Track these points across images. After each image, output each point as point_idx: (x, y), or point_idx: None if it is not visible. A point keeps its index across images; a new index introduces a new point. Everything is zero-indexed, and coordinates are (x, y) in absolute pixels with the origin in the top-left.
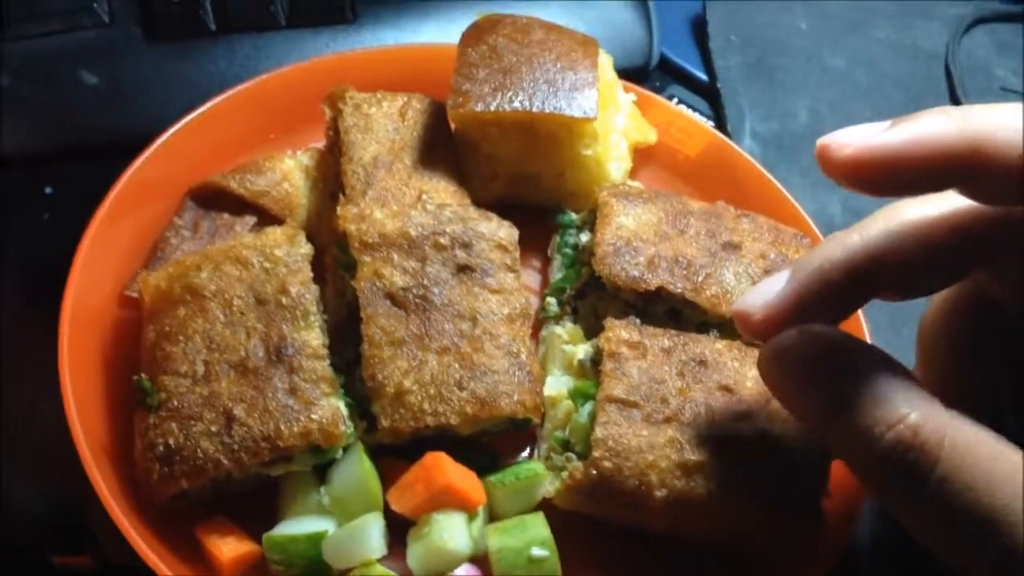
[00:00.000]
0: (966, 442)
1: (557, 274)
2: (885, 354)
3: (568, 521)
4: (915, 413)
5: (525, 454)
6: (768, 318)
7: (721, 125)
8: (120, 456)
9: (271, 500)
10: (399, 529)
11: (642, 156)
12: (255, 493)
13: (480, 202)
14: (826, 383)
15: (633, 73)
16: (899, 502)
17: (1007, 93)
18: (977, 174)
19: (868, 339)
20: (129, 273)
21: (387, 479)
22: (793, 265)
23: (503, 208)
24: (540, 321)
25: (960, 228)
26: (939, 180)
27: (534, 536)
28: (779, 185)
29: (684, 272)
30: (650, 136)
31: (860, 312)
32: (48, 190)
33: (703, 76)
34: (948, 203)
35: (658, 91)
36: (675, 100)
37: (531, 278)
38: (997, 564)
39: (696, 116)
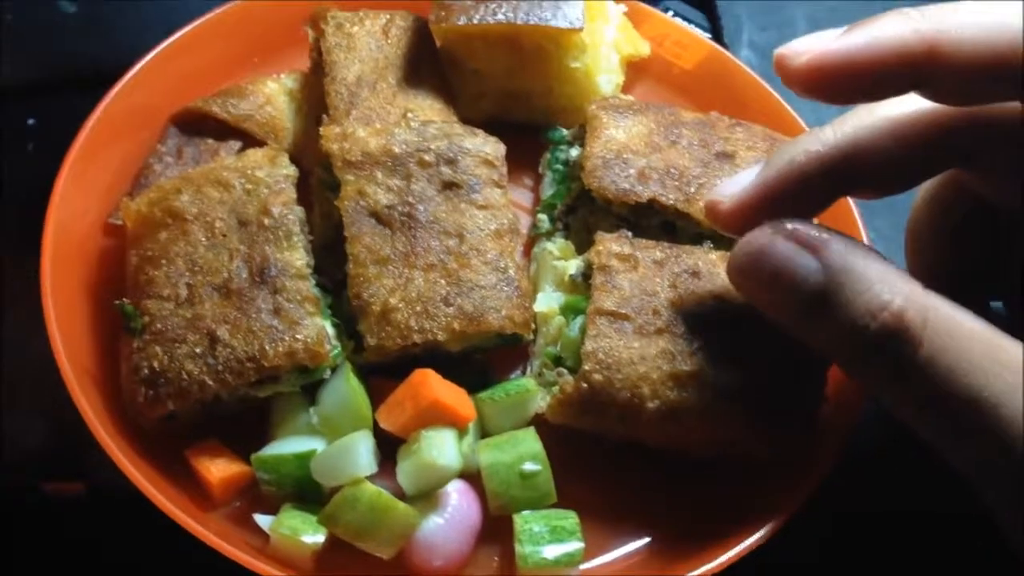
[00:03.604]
0: (947, 323)
1: (548, 190)
2: (856, 241)
3: (562, 437)
4: (898, 299)
5: (519, 372)
6: (737, 208)
7: (718, 36)
8: (109, 382)
9: (264, 423)
10: (392, 448)
11: (636, 70)
12: (248, 416)
13: (470, 120)
14: (803, 283)
15: None
16: (889, 391)
17: None
18: (934, 74)
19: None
20: (113, 201)
21: (379, 399)
22: (767, 159)
23: (494, 126)
24: (533, 239)
25: (934, 124)
26: (897, 83)
27: (525, 451)
28: (778, 96)
29: (676, 183)
30: (642, 49)
31: (858, 219)
32: (31, 121)
33: None
34: (923, 102)
35: (653, 4)
36: (670, 13)
37: (524, 196)
38: (979, 443)
39: (692, 28)
